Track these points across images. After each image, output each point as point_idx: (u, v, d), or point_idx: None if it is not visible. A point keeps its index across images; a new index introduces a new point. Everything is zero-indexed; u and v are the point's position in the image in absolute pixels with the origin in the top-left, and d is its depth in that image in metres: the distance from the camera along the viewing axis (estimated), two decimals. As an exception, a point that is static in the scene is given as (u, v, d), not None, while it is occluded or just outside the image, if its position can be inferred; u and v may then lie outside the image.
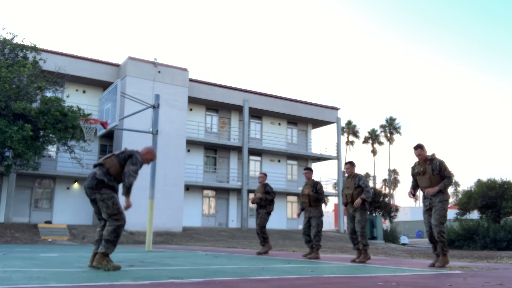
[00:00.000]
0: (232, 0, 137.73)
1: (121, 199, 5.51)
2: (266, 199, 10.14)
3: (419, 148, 6.77)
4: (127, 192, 5.30)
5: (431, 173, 6.64)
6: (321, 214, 8.95)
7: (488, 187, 26.80)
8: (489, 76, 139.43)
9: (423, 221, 6.85)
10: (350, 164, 8.05)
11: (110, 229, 5.18)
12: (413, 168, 6.99)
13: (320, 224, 8.88)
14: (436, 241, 6.62)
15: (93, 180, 5.31)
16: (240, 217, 30.00)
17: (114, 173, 5.39)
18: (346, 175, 8.16)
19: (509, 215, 26.80)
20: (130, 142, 25.12)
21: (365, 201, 7.68)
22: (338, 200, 34.34)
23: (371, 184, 66.72)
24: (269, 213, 10.21)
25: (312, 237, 8.89)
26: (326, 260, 8.22)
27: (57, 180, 25.87)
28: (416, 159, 6.92)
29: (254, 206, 10.87)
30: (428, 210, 6.71)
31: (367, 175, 73.77)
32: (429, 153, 6.87)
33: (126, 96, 14.36)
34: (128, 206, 5.31)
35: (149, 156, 5.70)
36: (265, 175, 10.50)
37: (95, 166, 5.50)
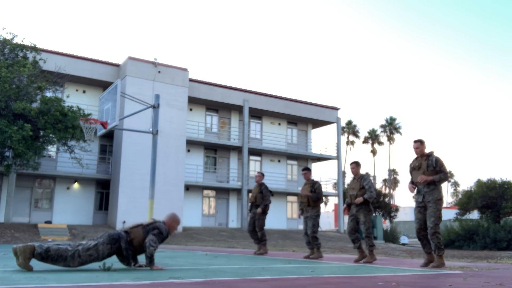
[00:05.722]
0: (232, 0, 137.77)
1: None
2: (263, 199, 10.06)
3: (418, 142, 6.82)
4: (150, 262, 5.31)
5: (425, 169, 6.65)
6: (317, 214, 8.92)
7: (488, 187, 26.79)
8: (490, 76, 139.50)
9: (414, 218, 6.84)
10: (356, 164, 8.01)
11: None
12: (410, 164, 7.01)
13: (316, 224, 8.86)
14: (423, 238, 6.67)
15: (115, 241, 5.29)
16: (240, 217, 29.99)
17: (137, 245, 5.36)
18: (352, 176, 8.10)
19: (509, 215, 26.79)
20: (130, 142, 25.14)
21: (368, 202, 7.65)
22: (338, 200, 34.33)
23: (371, 184, 66.64)
24: (265, 213, 10.15)
25: (309, 237, 8.88)
26: (326, 260, 8.22)
27: (57, 180, 25.87)
28: (415, 155, 6.94)
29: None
30: (420, 208, 6.68)
31: (367, 175, 73.76)
32: (428, 150, 6.89)
33: (126, 96, 14.35)
34: (159, 269, 5.31)
35: (174, 225, 5.71)
36: (262, 174, 10.42)
37: (124, 231, 5.44)
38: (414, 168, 6.85)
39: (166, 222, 5.69)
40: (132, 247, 5.36)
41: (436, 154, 6.79)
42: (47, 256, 4.89)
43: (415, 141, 6.85)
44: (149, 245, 5.27)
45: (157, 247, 5.36)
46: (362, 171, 8.39)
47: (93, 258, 5.12)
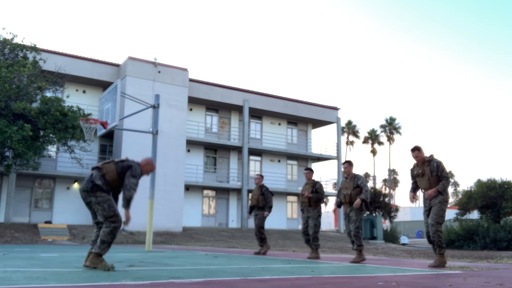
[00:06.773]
0: (232, 0, 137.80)
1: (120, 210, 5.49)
2: (264, 200, 10.16)
3: (416, 150, 6.78)
4: (127, 204, 5.26)
5: (429, 175, 6.66)
6: (319, 214, 8.97)
7: (488, 187, 26.78)
8: (489, 76, 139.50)
9: (424, 222, 6.87)
10: (348, 164, 8.02)
11: (107, 230, 5.16)
12: (412, 170, 7.01)
13: (318, 224, 8.90)
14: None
15: (88, 183, 5.28)
16: (240, 217, 29.99)
17: (110, 180, 5.34)
18: (345, 175, 8.13)
19: (509, 215, 26.78)
20: (130, 142, 25.12)
21: (364, 202, 7.67)
22: (338, 200, 34.31)
23: (371, 184, 66.79)
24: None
25: (310, 237, 8.91)
26: (326, 260, 8.22)
27: (57, 180, 25.87)
28: (414, 161, 6.93)
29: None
30: (428, 210, 6.74)
31: (367, 175, 73.93)
32: (427, 154, 6.88)
33: (126, 96, 14.36)
34: (128, 219, 5.25)
35: (148, 168, 5.69)
36: (262, 176, 10.49)
37: (93, 169, 5.48)
38: (418, 175, 6.83)
39: (141, 164, 5.64)
40: (105, 181, 5.32)
41: (435, 156, 6.80)
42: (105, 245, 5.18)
43: (413, 150, 6.79)
44: (130, 188, 5.28)
45: (136, 190, 5.36)
46: (362, 171, 8.43)
47: (115, 207, 5.30)
